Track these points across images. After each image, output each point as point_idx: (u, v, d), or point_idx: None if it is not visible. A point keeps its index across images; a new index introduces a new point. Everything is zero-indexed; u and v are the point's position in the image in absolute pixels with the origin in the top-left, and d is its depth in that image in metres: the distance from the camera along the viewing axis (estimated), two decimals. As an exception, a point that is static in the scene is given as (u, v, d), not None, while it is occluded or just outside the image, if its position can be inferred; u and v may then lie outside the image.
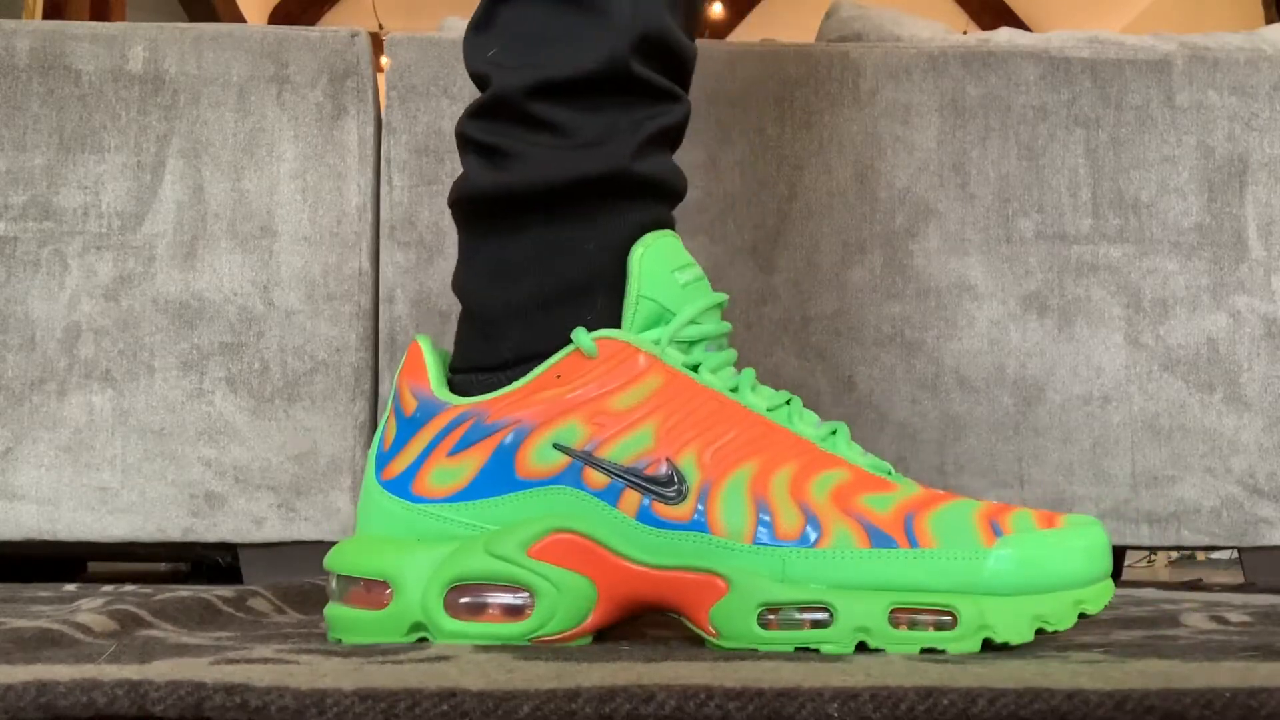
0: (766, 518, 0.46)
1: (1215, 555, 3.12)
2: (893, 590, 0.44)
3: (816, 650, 0.45)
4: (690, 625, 0.48)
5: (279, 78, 1.25)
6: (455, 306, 1.33)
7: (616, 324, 0.51)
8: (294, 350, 1.22)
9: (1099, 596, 0.45)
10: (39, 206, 1.23)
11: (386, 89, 1.27)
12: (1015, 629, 0.44)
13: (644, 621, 0.59)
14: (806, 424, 0.50)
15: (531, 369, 0.51)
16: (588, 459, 0.48)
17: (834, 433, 0.50)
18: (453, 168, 1.26)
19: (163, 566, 2.37)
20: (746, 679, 0.31)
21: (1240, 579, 1.42)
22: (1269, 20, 4.31)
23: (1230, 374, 1.29)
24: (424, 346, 0.54)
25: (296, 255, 1.23)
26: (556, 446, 0.49)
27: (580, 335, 0.50)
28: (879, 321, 1.28)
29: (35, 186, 1.23)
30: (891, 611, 0.44)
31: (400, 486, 0.51)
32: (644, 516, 0.47)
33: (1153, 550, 2.37)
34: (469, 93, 1.27)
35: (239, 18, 4.84)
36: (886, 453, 1.27)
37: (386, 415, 0.54)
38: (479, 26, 0.56)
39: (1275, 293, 1.30)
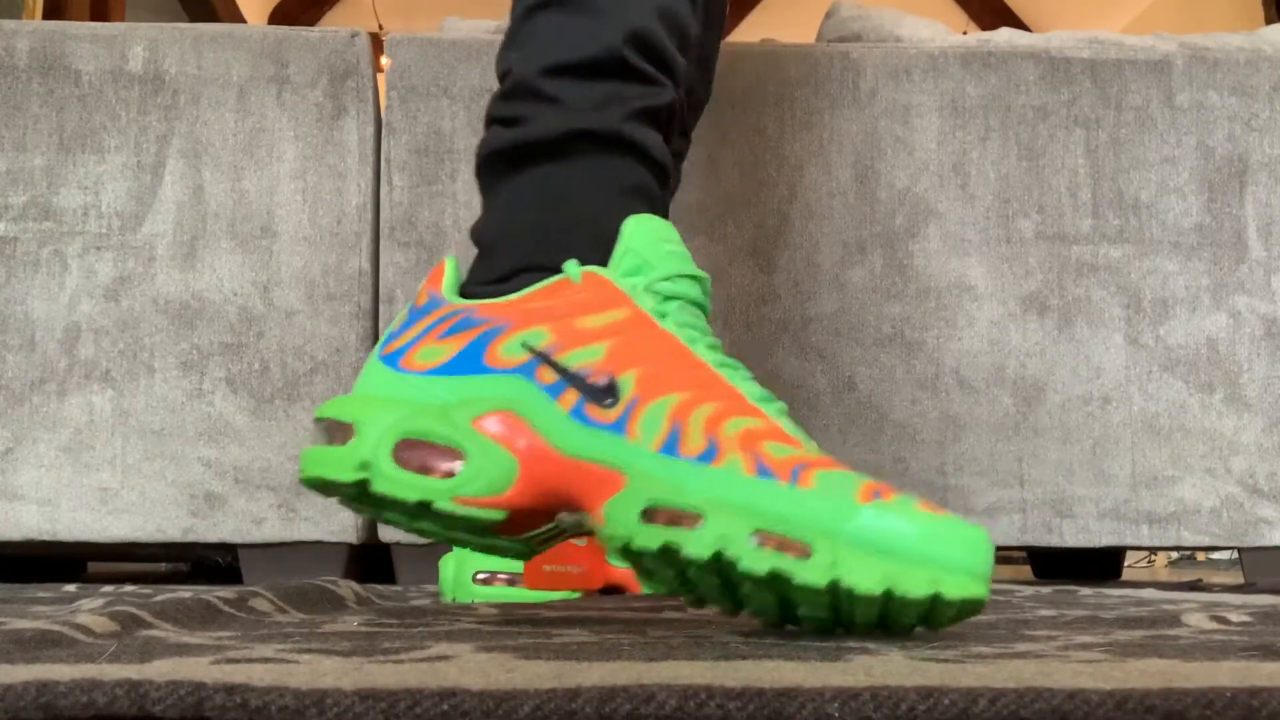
0: (676, 435, 0.52)
1: (1215, 555, 3.12)
2: (759, 515, 0.48)
3: (678, 550, 0.48)
4: (585, 519, 0.55)
5: (279, 78, 1.25)
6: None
7: (603, 264, 0.59)
8: (294, 350, 1.22)
9: (960, 586, 0.45)
10: (39, 206, 1.23)
11: (386, 89, 1.27)
12: (864, 579, 0.45)
13: (644, 622, 0.59)
14: (752, 388, 0.54)
15: (523, 286, 0.59)
16: (545, 358, 0.56)
17: (772, 402, 0.54)
18: (452, 168, 1.26)
19: (163, 567, 2.38)
20: (747, 679, 0.31)
21: (1240, 579, 1.42)
22: (1269, 20, 4.32)
23: (1230, 374, 1.29)
24: (449, 265, 0.64)
25: (296, 255, 1.23)
26: (524, 345, 0.56)
27: (570, 267, 0.58)
28: (879, 321, 1.28)
29: (35, 187, 1.23)
30: (754, 533, 0.47)
31: (392, 359, 0.60)
32: (575, 413, 0.54)
33: (1153, 550, 2.37)
34: (469, 93, 1.27)
35: (239, 18, 4.84)
36: (886, 453, 1.27)
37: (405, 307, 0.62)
38: (508, 42, 0.68)
39: (1275, 293, 1.30)
